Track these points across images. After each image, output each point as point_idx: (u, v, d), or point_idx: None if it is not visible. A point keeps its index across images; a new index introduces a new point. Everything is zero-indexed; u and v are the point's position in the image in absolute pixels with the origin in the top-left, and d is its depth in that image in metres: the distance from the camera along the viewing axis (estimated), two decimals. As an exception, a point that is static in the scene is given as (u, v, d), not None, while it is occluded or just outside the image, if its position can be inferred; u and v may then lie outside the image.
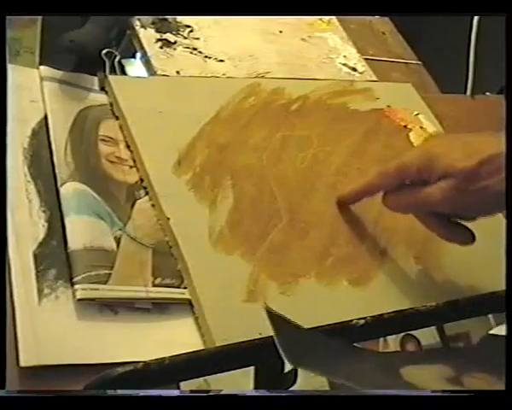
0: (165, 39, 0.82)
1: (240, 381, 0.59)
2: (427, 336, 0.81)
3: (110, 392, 0.48)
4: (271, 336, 0.49)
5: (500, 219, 0.69)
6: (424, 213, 0.62)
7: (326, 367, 0.48)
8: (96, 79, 0.74)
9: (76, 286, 0.56)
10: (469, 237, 0.61)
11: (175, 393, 0.52)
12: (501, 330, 0.65)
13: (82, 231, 0.59)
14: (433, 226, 0.62)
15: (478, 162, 0.56)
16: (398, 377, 0.51)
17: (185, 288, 0.59)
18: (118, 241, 0.60)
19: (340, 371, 0.49)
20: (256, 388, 0.59)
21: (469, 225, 0.62)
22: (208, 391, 0.56)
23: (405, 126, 0.82)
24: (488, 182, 0.56)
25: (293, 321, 0.54)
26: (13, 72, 0.69)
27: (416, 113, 0.84)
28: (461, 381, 0.53)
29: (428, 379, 0.53)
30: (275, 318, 0.52)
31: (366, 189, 0.65)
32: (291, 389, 0.67)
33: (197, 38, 0.84)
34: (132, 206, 0.64)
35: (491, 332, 0.68)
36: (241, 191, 0.67)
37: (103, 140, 0.68)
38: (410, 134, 0.81)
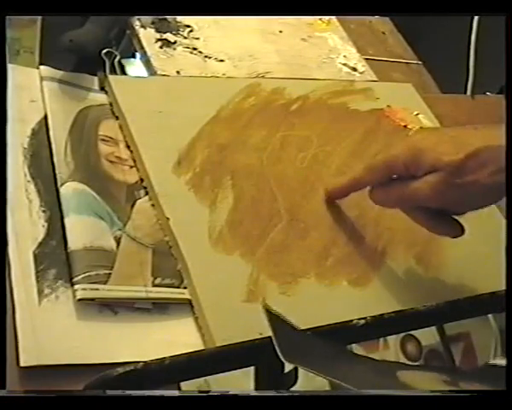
0: (165, 39, 0.82)
1: (240, 381, 0.59)
2: (427, 336, 0.81)
3: (110, 392, 0.48)
4: (271, 336, 0.49)
5: (500, 220, 0.70)
6: (412, 207, 0.62)
7: (322, 367, 0.48)
8: (95, 78, 0.74)
9: (76, 286, 0.56)
10: (458, 230, 0.61)
11: (175, 393, 0.52)
12: (501, 360, 0.65)
13: (82, 231, 0.59)
14: (421, 220, 0.62)
15: (465, 156, 0.56)
16: (394, 379, 0.51)
17: (185, 288, 0.59)
18: (118, 241, 0.60)
19: (337, 371, 0.49)
20: (256, 388, 0.59)
21: (463, 219, 0.61)
22: (209, 391, 0.56)
23: (405, 126, 0.82)
24: (476, 176, 0.56)
25: (291, 322, 0.54)
26: (13, 72, 0.69)
27: (416, 113, 0.84)
28: (458, 384, 0.53)
29: (425, 382, 0.53)
30: (273, 316, 0.52)
31: (353, 184, 0.65)
32: (291, 389, 0.67)
33: (197, 38, 0.84)
34: (132, 206, 0.64)
35: (491, 362, 0.68)
36: (241, 191, 0.67)
37: (103, 140, 0.68)
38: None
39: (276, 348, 0.47)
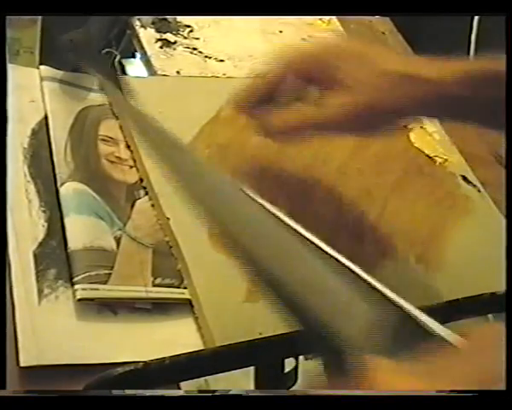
0: (165, 39, 0.82)
1: (240, 381, 0.59)
2: (427, 336, 0.81)
3: (110, 392, 0.48)
4: (271, 336, 0.49)
5: (500, 219, 0.70)
6: None
7: None
8: (95, 78, 0.74)
9: (76, 286, 0.56)
10: None
11: (175, 393, 0.52)
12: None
13: (82, 231, 0.59)
14: None
15: None
16: None
17: (185, 288, 0.59)
18: (118, 241, 0.60)
19: None
20: (256, 388, 0.59)
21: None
22: (210, 391, 0.56)
23: (405, 126, 0.81)
24: None
25: None
26: (13, 72, 0.69)
27: (416, 113, 0.83)
28: None
29: None
30: None
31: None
32: (291, 388, 0.67)
33: (197, 38, 0.84)
34: (132, 206, 0.64)
35: None
36: (241, 191, 0.67)
37: (103, 140, 0.68)
38: (410, 134, 0.81)
39: None
